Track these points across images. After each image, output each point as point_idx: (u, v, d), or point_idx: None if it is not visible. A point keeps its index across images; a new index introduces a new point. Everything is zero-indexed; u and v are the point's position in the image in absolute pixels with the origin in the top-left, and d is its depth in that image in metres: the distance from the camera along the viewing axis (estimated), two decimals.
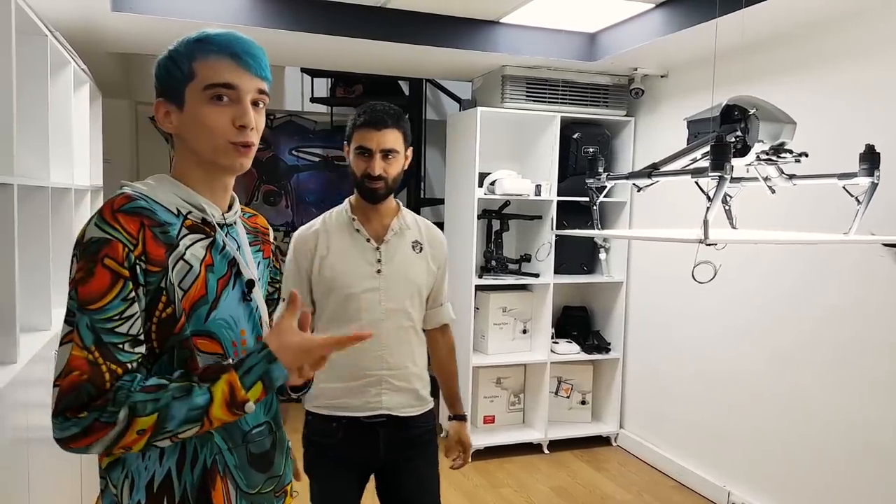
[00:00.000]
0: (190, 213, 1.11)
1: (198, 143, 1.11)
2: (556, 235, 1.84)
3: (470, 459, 2.13)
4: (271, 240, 1.34)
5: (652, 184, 1.45)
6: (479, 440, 3.92)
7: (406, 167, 1.87)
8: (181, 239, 1.08)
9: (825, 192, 2.52)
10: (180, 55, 1.09)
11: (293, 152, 5.42)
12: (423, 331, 2.00)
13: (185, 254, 1.07)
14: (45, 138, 2.40)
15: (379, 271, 1.86)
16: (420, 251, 1.93)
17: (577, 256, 4.21)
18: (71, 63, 2.78)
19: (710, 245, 1.19)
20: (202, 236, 1.11)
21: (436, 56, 3.54)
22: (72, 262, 1.03)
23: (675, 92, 3.80)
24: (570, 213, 3.99)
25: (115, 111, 4.42)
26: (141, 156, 4.92)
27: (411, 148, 1.90)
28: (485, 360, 4.02)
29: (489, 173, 3.95)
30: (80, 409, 0.96)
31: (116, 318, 1.01)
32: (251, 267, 1.19)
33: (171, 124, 1.12)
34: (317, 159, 5.47)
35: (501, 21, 3.37)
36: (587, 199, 4.01)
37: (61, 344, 1.00)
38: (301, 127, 5.42)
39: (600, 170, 1.68)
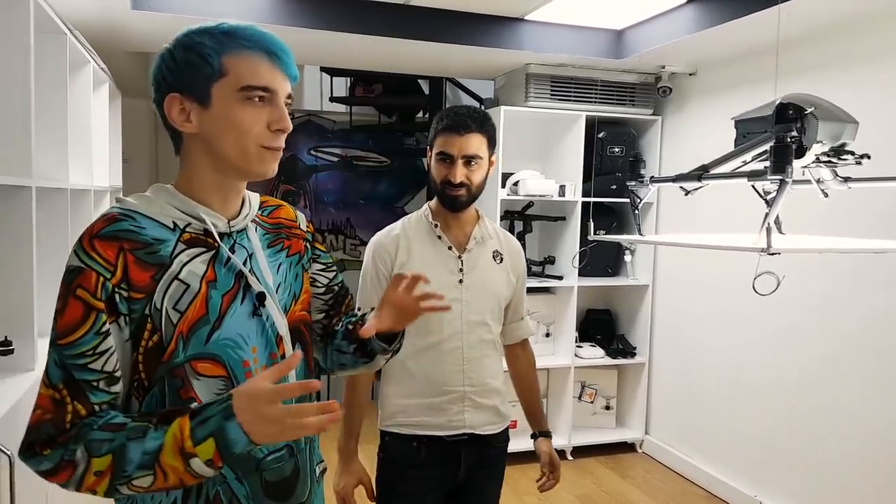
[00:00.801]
0: (189, 225, 1.03)
1: (225, 146, 1.01)
2: (595, 241, 1.75)
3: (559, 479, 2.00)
4: (303, 229, 1.22)
5: (701, 187, 1.37)
6: None
7: (491, 173, 1.77)
8: (176, 256, 0.99)
9: (862, 194, 2.42)
10: (207, 48, 0.99)
11: (312, 152, 5.37)
12: (504, 346, 1.94)
13: (180, 272, 0.99)
14: (63, 139, 2.36)
15: (461, 281, 1.77)
16: (500, 262, 1.85)
17: (602, 258, 4.13)
18: (90, 62, 2.75)
19: (772, 254, 1.11)
20: (203, 250, 1.02)
21: (458, 54, 3.48)
22: None
23: (704, 90, 3.70)
24: (595, 215, 3.90)
25: (134, 111, 4.40)
26: (160, 156, 4.90)
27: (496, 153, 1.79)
28: (506, 365, 3.94)
29: (512, 173, 3.87)
30: (45, 446, 0.91)
31: (90, 353, 0.93)
32: (265, 275, 1.09)
33: (189, 123, 1.01)
34: (335, 159, 5.42)
35: (526, 18, 3.30)
36: (613, 199, 4.00)
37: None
38: (320, 126, 5.37)
39: (642, 171, 1.60)
